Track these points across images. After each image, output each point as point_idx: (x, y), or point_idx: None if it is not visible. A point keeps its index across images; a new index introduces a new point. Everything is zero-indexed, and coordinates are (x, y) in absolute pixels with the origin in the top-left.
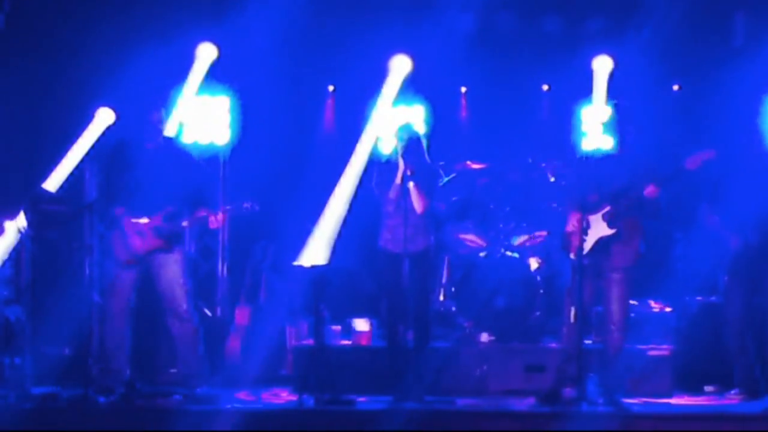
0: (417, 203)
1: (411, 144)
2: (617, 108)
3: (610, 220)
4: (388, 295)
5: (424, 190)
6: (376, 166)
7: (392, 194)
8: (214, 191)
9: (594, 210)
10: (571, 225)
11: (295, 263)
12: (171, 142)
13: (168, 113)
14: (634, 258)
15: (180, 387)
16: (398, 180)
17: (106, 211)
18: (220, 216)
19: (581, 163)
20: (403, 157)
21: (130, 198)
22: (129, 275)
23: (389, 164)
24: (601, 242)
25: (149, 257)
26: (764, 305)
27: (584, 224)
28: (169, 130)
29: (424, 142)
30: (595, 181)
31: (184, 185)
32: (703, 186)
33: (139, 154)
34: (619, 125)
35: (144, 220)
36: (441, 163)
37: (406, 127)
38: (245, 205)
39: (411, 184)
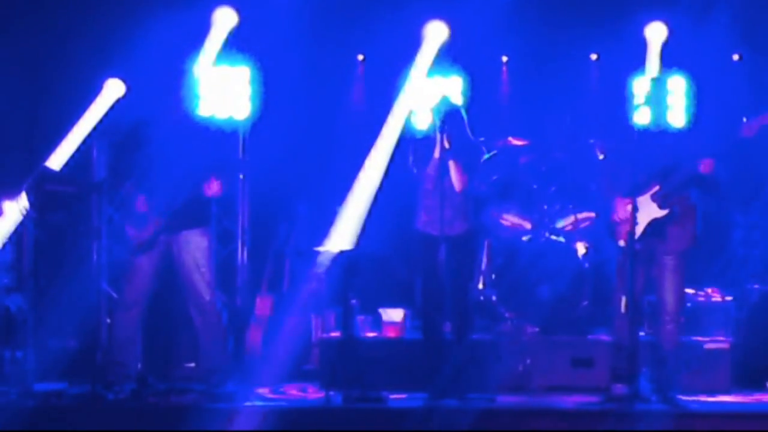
0: (456, 180)
1: (450, 116)
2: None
3: (661, 201)
4: (425, 282)
5: (464, 166)
6: (413, 142)
7: (431, 170)
8: (234, 169)
9: (641, 191)
10: (621, 213)
11: (322, 248)
12: (188, 116)
13: (188, 84)
14: (690, 241)
15: (199, 383)
16: (436, 154)
17: (115, 191)
18: (214, 184)
19: (624, 139)
20: (441, 129)
21: (143, 178)
22: (147, 262)
23: (427, 140)
24: (654, 225)
25: (168, 237)
26: None
27: (634, 209)
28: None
29: (465, 116)
30: (640, 159)
31: (203, 160)
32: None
33: (154, 131)
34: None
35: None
36: (481, 139)
37: (445, 100)
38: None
39: (450, 161)
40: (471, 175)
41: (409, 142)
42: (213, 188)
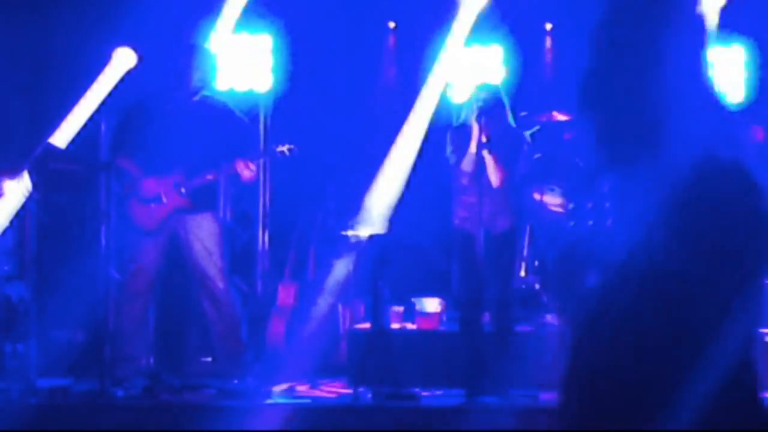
0: (493, 175)
1: (490, 106)
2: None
3: None
4: (463, 276)
5: (504, 159)
6: (450, 131)
7: (466, 165)
8: (254, 148)
9: None
10: None
11: (350, 233)
12: (203, 89)
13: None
14: None
15: (214, 379)
16: (472, 148)
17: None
18: (252, 165)
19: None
20: (478, 120)
21: (150, 158)
22: (154, 245)
23: (464, 128)
24: None
25: (176, 220)
26: None
27: None
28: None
29: (508, 104)
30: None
31: (219, 143)
32: None
33: (165, 107)
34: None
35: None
36: (522, 113)
37: (486, 87)
38: (279, 149)
39: (486, 153)
40: (511, 169)
41: (446, 132)
42: (253, 170)
